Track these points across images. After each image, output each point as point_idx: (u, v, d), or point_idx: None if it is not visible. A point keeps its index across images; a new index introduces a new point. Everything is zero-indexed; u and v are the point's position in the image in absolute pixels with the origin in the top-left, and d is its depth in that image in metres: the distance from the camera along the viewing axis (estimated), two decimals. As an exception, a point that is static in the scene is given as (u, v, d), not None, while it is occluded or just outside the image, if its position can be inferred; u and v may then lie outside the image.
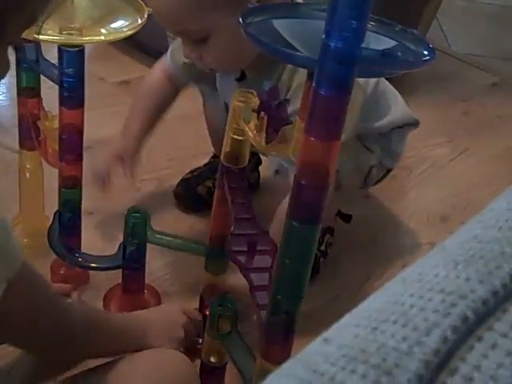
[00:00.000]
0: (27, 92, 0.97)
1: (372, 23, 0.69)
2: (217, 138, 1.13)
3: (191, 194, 1.22)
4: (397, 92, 1.12)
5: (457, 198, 1.36)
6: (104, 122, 1.43)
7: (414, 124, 1.14)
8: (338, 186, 0.99)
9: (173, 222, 1.18)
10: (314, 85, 0.56)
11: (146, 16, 0.84)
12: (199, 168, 1.27)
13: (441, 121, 1.66)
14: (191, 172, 1.26)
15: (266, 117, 0.73)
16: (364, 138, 1.05)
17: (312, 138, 0.57)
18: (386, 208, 1.31)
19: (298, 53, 0.61)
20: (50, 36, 0.80)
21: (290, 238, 0.62)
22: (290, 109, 0.72)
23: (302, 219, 0.61)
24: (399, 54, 0.63)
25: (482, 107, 1.74)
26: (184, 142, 1.41)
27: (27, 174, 1.04)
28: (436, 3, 1.84)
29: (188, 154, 1.37)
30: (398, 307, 0.21)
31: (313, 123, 0.57)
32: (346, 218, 1.16)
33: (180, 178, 1.26)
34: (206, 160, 1.28)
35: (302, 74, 0.72)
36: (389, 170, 1.13)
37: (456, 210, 1.32)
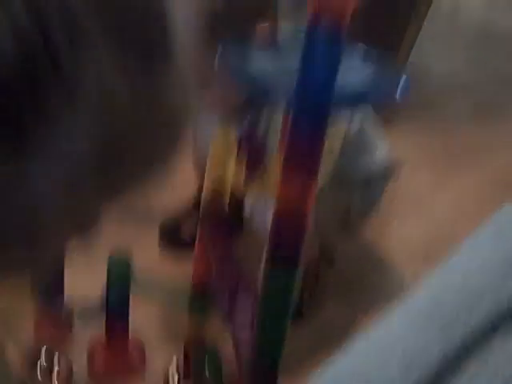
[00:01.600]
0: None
1: (352, 51, 0.70)
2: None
3: (174, 234, 1.21)
4: (382, 134, 1.12)
5: (439, 231, 1.36)
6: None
7: (392, 172, 1.13)
8: (317, 229, 0.99)
9: (156, 261, 1.16)
10: (291, 123, 0.56)
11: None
12: (184, 209, 1.25)
13: (422, 150, 1.65)
14: (176, 214, 1.25)
15: (244, 157, 0.74)
16: (344, 182, 1.05)
17: (288, 178, 0.57)
18: (369, 245, 1.30)
19: (277, 89, 0.61)
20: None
21: (269, 282, 0.61)
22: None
23: (281, 264, 0.60)
24: (373, 87, 0.63)
25: (463, 134, 1.73)
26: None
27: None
28: (417, 27, 1.86)
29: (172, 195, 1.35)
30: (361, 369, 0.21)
31: (289, 163, 0.57)
32: (329, 262, 1.16)
33: (164, 219, 1.25)
34: (189, 201, 1.26)
35: None
36: (366, 217, 1.13)
37: (438, 243, 1.31)
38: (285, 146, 0.57)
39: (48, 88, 0.22)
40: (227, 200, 0.84)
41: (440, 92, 2.00)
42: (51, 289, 0.94)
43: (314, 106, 0.53)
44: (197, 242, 0.87)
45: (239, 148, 0.74)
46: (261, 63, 0.69)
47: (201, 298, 0.88)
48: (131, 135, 0.29)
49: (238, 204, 1.26)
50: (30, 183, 0.23)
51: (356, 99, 0.60)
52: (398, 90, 0.62)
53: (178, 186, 1.24)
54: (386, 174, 1.12)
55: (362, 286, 1.20)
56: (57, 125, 0.22)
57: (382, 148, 1.10)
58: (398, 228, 1.39)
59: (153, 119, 0.30)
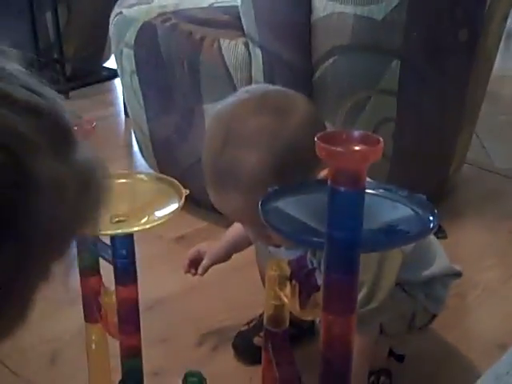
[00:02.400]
0: (88, 271, 1.07)
1: (378, 189, 0.76)
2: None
3: (248, 345, 1.28)
4: (439, 244, 1.15)
5: (512, 322, 1.37)
6: (164, 281, 1.53)
7: (457, 275, 1.17)
8: (384, 332, 1.03)
9: (231, 374, 1.23)
10: (324, 268, 0.63)
11: (183, 199, 0.94)
12: (255, 319, 1.32)
13: (489, 241, 1.69)
14: (248, 323, 1.33)
15: (297, 284, 0.80)
16: (406, 285, 1.09)
17: (329, 316, 0.63)
18: (441, 341, 1.32)
19: (311, 238, 0.68)
20: (102, 228, 0.90)
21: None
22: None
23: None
24: (402, 227, 0.69)
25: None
26: (241, 292, 1.48)
27: (93, 346, 1.12)
28: (469, 132, 1.91)
29: (245, 304, 1.43)
30: None
31: (327, 303, 0.63)
32: (400, 359, 1.19)
33: (238, 329, 1.33)
34: (261, 310, 1.34)
35: None
36: (434, 315, 1.16)
37: (512, 336, 1.32)
38: (323, 283, 0.64)
39: None
40: (287, 314, 0.90)
41: (503, 182, 2.03)
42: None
43: (342, 256, 0.60)
44: (263, 353, 0.93)
45: (291, 277, 0.80)
46: (301, 202, 0.76)
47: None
48: None
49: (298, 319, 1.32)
50: None
51: (385, 243, 0.66)
52: (427, 229, 0.67)
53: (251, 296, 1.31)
54: (449, 277, 1.15)
55: (433, 381, 1.22)
56: None
57: (443, 258, 1.13)
58: (470, 320, 1.41)
59: None
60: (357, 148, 0.59)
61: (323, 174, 0.89)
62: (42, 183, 0.46)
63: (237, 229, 1.24)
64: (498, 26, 1.75)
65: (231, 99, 0.98)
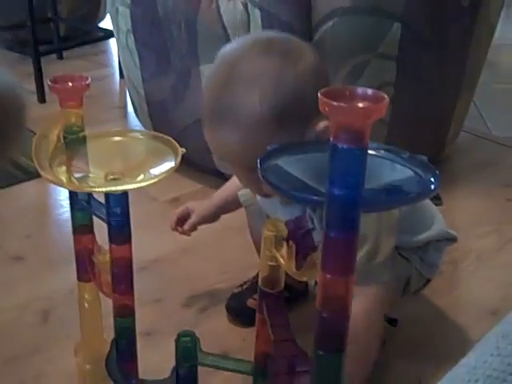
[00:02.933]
0: (81, 230, 1.05)
1: (379, 150, 0.75)
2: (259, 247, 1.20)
3: (242, 307, 1.28)
4: (437, 209, 1.15)
5: (506, 289, 1.37)
6: (157, 242, 1.52)
7: (452, 240, 1.16)
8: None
9: (225, 335, 1.23)
10: (323, 227, 0.62)
11: (180, 157, 0.92)
12: (248, 281, 1.32)
13: (485, 209, 1.69)
14: (241, 286, 1.32)
15: (294, 245, 0.79)
16: (402, 248, 1.09)
17: (328, 275, 0.62)
18: (433, 306, 1.32)
19: (311, 196, 0.66)
20: (96, 185, 0.89)
21: (318, 367, 0.66)
22: None
23: (328, 349, 0.65)
24: (403, 187, 0.68)
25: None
26: (234, 254, 1.47)
27: (86, 304, 1.11)
28: (470, 92, 1.90)
29: (238, 266, 1.43)
30: None
31: (326, 262, 0.62)
32: (393, 323, 1.19)
33: (231, 291, 1.32)
34: (255, 272, 1.34)
35: None
36: (428, 280, 1.15)
37: (506, 302, 1.32)
38: (322, 241, 0.63)
39: None
40: (283, 275, 0.89)
41: (500, 151, 2.02)
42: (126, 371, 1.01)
43: (343, 214, 0.59)
44: (257, 314, 0.93)
45: (288, 237, 0.79)
46: (300, 161, 0.75)
47: (263, 370, 0.93)
48: None
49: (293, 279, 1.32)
50: None
51: (386, 202, 0.64)
52: (428, 191, 0.65)
53: (246, 258, 1.30)
54: (443, 243, 1.15)
55: (427, 347, 1.22)
56: None
57: (440, 222, 1.13)
58: (463, 287, 1.41)
59: None
60: (361, 104, 0.57)
61: (323, 125, 0.89)
62: None
63: (227, 189, 1.25)
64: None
65: (237, 42, 0.97)
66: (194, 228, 1.25)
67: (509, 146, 2.03)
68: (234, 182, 1.22)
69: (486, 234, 1.58)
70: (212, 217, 1.26)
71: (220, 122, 0.92)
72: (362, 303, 0.94)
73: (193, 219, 1.24)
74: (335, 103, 0.56)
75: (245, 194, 1.19)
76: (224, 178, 1.72)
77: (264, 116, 0.88)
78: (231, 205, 1.24)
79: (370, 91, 0.60)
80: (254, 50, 0.92)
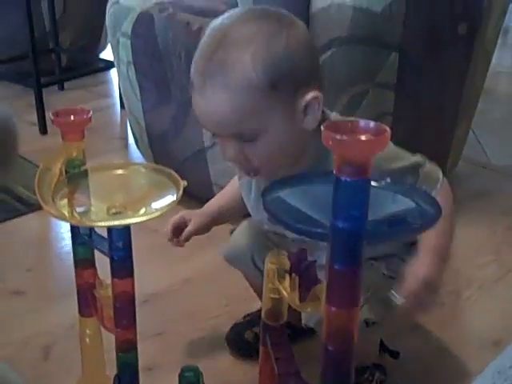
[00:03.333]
0: (83, 264, 1.05)
1: (382, 181, 0.75)
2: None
3: (240, 339, 1.27)
4: None
5: (508, 319, 1.36)
6: (159, 274, 1.51)
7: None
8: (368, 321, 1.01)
9: (226, 369, 1.22)
10: (328, 259, 0.62)
11: (181, 190, 0.92)
12: (252, 313, 1.31)
13: (485, 238, 1.68)
14: (244, 317, 1.31)
15: (297, 277, 0.79)
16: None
17: (333, 308, 0.62)
18: (435, 337, 1.31)
19: (314, 229, 0.67)
20: (98, 220, 0.89)
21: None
22: None
23: (335, 382, 0.65)
24: (405, 218, 0.68)
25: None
26: (236, 286, 1.46)
27: (87, 340, 1.10)
28: (468, 120, 1.91)
29: (241, 298, 1.42)
30: None
31: (331, 295, 0.62)
32: (394, 355, 1.18)
33: (233, 322, 1.32)
34: (257, 304, 1.33)
35: None
36: None
37: (508, 332, 1.32)
38: (326, 276, 0.63)
39: None
40: (286, 308, 0.89)
41: (499, 179, 2.03)
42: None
43: (347, 247, 0.59)
44: (260, 347, 0.92)
45: (291, 270, 0.79)
46: (303, 193, 0.75)
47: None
48: None
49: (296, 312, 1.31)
50: None
51: (389, 234, 0.65)
52: (430, 222, 0.66)
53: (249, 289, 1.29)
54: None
55: (430, 380, 1.21)
56: None
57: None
58: (465, 317, 1.40)
59: None
60: (363, 137, 0.57)
61: (311, 95, 0.90)
62: None
63: (223, 197, 1.23)
64: (496, 20, 1.74)
65: (228, 13, 0.95)
66: (189, 238, 1.21)
67: (508, 175, 2.03)
68: (227, 192, 1.22)
69: (487, 264, 1.57)
70: (209, 225, 1.21)
71: (211, 83, 0.89)
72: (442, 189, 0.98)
73: (190, 229, 1.20)
74: (338, 137, 0.57)
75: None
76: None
77: (256, 77, 0.87)
78: (229, 211, 1.21)
79: (371, 124, 0.61)
80: (246, 15, 0.93)
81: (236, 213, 1.21)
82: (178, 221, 1.21)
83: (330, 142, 0.57)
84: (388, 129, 0.59)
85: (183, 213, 1.23)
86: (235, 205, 1.18)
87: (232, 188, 1.20)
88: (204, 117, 0.93)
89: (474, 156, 2.13)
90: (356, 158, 0.58)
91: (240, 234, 1.19)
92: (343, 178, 0.58)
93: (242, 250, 1.16)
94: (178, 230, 1.21)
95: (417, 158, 1.01)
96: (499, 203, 1.86)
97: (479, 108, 1.90)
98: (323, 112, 0.95)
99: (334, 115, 1.00)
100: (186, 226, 1.20)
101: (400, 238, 0.72)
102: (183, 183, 0.94)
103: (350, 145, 0.57)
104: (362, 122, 0.61)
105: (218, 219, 1.23)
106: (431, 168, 1.00)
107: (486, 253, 1.61)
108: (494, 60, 1.89)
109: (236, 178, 1.18)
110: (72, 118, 0.96)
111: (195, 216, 1.21)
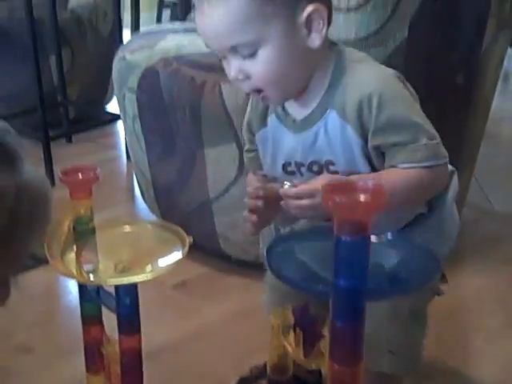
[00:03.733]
0: (90, 320, 1.06)
1: (382, 236, 0.77)
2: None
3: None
4: None
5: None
6: (165, 328, 1.52)
7: None
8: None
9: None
10: (330, 317, 0.63)
11: (187, 247, 0.94)
12: (258, 366, 1.31)
13: (490, 286, 1.68)
14: (251, 370, 1.31)
15: (301, 333, 0.80)
16: None
17: (336, 365, 0.63)
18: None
19: (315, 286, 0.68)
20: (106, 278, 0.90)
21: None
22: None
23: None
24: (406, 275, 0.70)
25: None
26: (242, 340, 1.47)
27: (95, 397, 1.10)
28: (470, 167, 1.92)
29: (247, 352, 1.41)
30: None
31: (334, 352, 0.63)
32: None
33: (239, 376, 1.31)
34: (264, 357, 1.33)
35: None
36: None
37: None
38: (329, 332, 0.64)
39: None
40: (291, 362, 0.90)
41: (503, 225, 2.03)
42: None
43: (348, 304, 0.60)
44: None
45: (295, 322, 0.81)
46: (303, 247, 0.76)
47: None
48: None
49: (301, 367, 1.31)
50: None
51: (390, 292, 0.66)
52: (429, 278, 0.67)
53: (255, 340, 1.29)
54: None
55: None
56: None
57: None
58: (470, 369, 1.39)
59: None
60: (362, 198, 0.59)
61: (310, 8, 0.89)
62: None
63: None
64: (494, 69, 1.77)
65: None
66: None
67: (512, 221, 2.04)
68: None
69: (493, 312, 1.57)
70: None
71: None
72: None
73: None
74: (337, 199, 0.59)
75: None
76: (231, 261, 1.75)
77: None
78: None
79: (370, 183, 0.63)
80: None
81: None
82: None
83: (330, 203, 0.59)
84: (386, 190, 0.61)
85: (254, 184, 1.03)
86: None
87: None
88: (205, 34, 0.93)
89: (478, 202, 2.14)
90: (355, 219, 0.59)
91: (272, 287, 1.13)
92: (343, 238, 0.60)
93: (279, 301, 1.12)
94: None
95: (428, 127, 0.97)
96: (504, 250, 1.86)
97: (482, 154, 1.92)
98: (335, 44, 0.96)
99: (348, 49, 0.99)
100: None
101: (400, 295, 0.73)
102: (189, 240, 0.96)
103: (348, 206, 0.59)
104: (361, 182, 0.63)
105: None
106: (433, 147, 0.94)
107: (491, 301, 1.61)
108: (496, 105, 1.92)
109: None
110: (80, 176, 0.99)
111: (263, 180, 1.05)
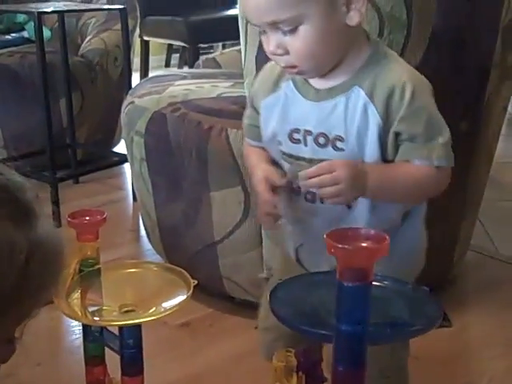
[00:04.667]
0: (93, 361, 1.07)
1: (384, 282, 0.78)
2: None
3: None
4: None
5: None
6: (168, 368, 1.52)
7: None
8: None
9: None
10: (333, 361, 0.64)
11: (192, 289, 0.95)
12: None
13: (495, 330, 1.68)
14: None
15: (303, 376, 0.81)
16: None
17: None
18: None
19: (317, 330, 0.69)
20: (110, 318, 0.91)
21: None
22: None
23: None
24: (407, 320, 0.70)
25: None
26: (243, 381, 1.46)
27: None
28: (474, 211, 1.94)
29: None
30: None
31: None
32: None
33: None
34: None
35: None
36: None
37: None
38: (331, 376, 0.65)
39: None
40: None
41: (508, 269, 2.04)
42: None
43: (351, 349, 0.61)
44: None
45: (298, 364, 0.81)
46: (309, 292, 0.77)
47: None
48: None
49: None
50: None
51: (390, 337, 0.67)
52: (430, 325, 0.68)
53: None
54: None
55: None
56: None
57: None
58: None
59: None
60: (364, 245, 0.61)
61: None
62: None
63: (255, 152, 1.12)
64: (497, 116, 1.80)
65: None
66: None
67: (517, 266, 2.04)
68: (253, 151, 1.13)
69: (498, 356, 1.57)
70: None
71: None
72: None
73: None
74: (340, 245, 0.60)
75: None
76: (234, 302, 1.75)
77: None
78: None
79: (372, 232, 0.64)
80: None
81: None
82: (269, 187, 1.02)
83: (333, 250, 0.61)
84: (387, 236, 0.63)
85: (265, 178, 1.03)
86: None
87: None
88: (247, 9, 0.95)
89: (483, 246, 2.15)
90: (358, 265, 0.61)
91: (264, 330, 1.15)
92: (345, 284, 0.61)
93: (272, 344, 1.13)
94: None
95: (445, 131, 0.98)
96: (508, 294, 1.86)
97: (486, 198, 1.94)
98: (374, 40, 0.99)
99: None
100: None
101: (400, 340, 0.74)
102: (193, 282, 0.97)
103: (351, 253, 0.61)
104: (363, 230, 0.65)
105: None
106: (445, 149, 0.97)
107: (495, 344, 1.61)
108: (500, 150, 1.94)
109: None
110: (87, 219, 1.01)
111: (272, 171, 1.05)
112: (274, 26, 0.92)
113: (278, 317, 0.72)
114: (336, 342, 0.63)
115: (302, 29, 0.91)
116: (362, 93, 0.95)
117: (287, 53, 0.94)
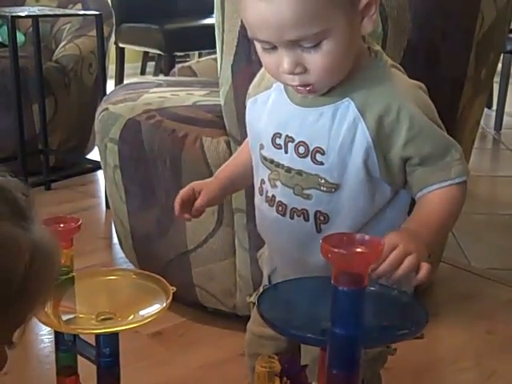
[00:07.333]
0: (65, 371, 1.05)
1: (372, 287, 0.78)
2: None
3: None
4: None
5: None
6: (140, 377, 1.50)
7: None
8: None
9: None
10: (326, 364, 0.64)
11: (171, 297, 0.94)
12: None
13: (465, 342, 1.69)
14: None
15: (288, 382, 0.81)
16: None
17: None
18: None
19: (309, 335, 0.69)
20: (88, 326, 0.90)
21: None
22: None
23: None
24: (394, 324, 0.71)
25: (506, 324, 1.78)
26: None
27: None
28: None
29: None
30: None
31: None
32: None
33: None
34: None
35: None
36: None
37: None
38: (325, 379, 0.65)
39: None
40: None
41: (480, 282, 2.05)
42: None
43: (344, 352, 0.62)
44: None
45: (282, 370, 0.81)
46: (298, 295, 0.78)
47: None
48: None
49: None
50: None
51: (381, 340, 0.68)
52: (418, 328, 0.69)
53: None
54: None
55: None
56: None
57: None
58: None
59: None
60: (359, 250, 0.62)
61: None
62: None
63: (236, 163, 1.15)
64: (470, 131, 1.82)
65: None
66: (201, 212, 1.10)
67: (488, 278, 2.06)
68: (239, 157, 1.14)
69: (469, 368, 1.58)
70: (221, 196, 1.12)
71: None
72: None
73: (201, 200, 1.08)
74: (336, 250, 0.61)
75: None
76: (207, 311, 1.74)
77: None
78: (240, 181, 1.13)
79: (366, 237, 0.65)
80: None
81: (249, 179, 1.09)
82: (187, 193, 1.10)
83: (329, 255, 0.61)
84: (383, 241, 0.64)
85: (193, 184, 1.11)
86: (248, 172, 1.08)
87: (244, 153, 1.11)
88: (264, 24, 0.84)
89: (455, 258, 2.17)
90: (353, 270, 0.62)
91: (252, 356, 1.12)
92: (340, 288, 0.62)
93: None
94: (188, 203, 1.09)
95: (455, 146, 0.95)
96: (479, 306, 1.88)
97: (460, 211, 1.95)
98: (374, 51, 0.94)
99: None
100: (196, 199, 1.09)
101: (387, 343, 0.75)
102: (172, 289, 0.96)
103: (346, 257, 0.61)
104: (358, 236, 0.65)
105: (229, 189, 1.15)
106: (461, 163, 0.94)
107: (466, 357, 1.62)
108: (473, 164, 1.95)
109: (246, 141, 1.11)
110: (61, 226, 0.99)
111: (206, 187, 1.10)
112: (297, 43, 0.85)
113: (267, 321, 0.72)
114: (330, 345, 0.64)
115: (326, 43, 0.85)
116: (353, 106, 0.90)
117: (305, 71, 0.87)
